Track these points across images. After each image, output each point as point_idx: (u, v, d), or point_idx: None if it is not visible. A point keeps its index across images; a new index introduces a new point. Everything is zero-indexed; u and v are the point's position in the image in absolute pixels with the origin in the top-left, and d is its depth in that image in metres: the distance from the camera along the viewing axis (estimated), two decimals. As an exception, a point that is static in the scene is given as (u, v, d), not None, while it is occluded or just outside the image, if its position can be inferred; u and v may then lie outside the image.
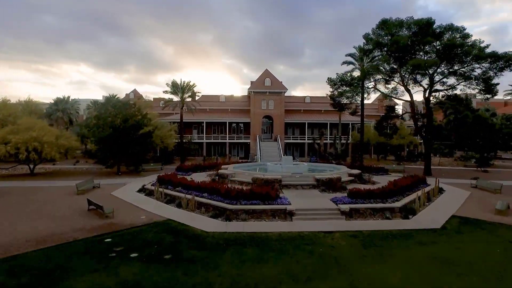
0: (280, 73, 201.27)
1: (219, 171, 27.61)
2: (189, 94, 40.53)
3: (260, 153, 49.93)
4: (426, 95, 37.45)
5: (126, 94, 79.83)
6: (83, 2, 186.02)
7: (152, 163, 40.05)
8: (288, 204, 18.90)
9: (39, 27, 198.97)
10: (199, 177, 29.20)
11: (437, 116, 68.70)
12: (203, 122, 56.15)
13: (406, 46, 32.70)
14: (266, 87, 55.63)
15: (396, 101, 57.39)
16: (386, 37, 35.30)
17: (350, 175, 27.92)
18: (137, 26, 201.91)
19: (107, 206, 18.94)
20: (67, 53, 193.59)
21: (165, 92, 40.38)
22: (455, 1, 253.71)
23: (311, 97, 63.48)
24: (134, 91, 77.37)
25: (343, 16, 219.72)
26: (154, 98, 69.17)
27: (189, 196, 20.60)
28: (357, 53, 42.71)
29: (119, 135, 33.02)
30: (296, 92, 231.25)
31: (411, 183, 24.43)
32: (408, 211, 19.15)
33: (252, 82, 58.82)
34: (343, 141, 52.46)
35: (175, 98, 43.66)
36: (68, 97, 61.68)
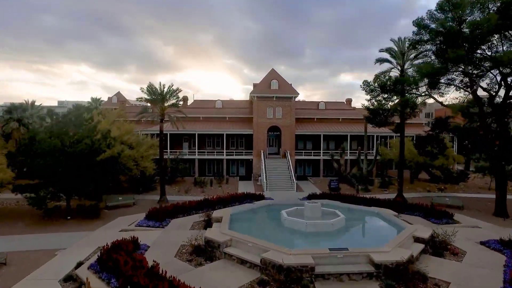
0: (281, 74, 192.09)
1: (207, 235, 17.04)
2: (173, 101, 30.20)
3: (265, 174, 39.40)
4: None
5: (109, 98, 69.45)
6: (84, 2, 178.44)
7: (120, 197, 29.45)
8: None
9: (40, 27, 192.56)
10: (180, 233, 18.73)
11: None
12: (195, 134, 45.68)
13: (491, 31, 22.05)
14: (273, 91, 45.09)
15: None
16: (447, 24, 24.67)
17: (417, 239, 17.35)
18: (138, 26, 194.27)
19: None
20: (68, 53, 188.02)
21: (139, 99, 30.03)
22: None
23: (325, 103, 52.85)
24: (118, 95, 66.94)
25: (343, 16, 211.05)
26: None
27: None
28: (396, 47, 32.19)
29: (66, 163, 22.61)
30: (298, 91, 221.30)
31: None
32: None
33: (255, 85, 48.32)
34: (369, 157, 41.89)
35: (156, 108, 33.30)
36: (33, 102, 51.01)
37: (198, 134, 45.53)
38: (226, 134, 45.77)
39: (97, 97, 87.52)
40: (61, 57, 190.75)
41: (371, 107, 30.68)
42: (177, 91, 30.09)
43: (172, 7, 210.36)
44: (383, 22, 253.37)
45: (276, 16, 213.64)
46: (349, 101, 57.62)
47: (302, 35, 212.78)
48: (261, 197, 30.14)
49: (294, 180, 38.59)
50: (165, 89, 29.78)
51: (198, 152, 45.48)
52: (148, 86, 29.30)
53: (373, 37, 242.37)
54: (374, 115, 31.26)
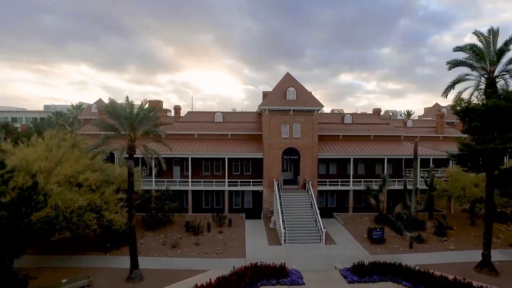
0: (281, 74, 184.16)
1: None
2: (151, 125, 19.78)
3: (281, 216, 28.93)
4: None
5: (89, 106, 58.88)
6: (84, 2, 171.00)
7: (65, 279, 18.62)
8: None
9: (40, 28, 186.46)
10: None
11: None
12: (187, 158, 35.23)
13: None
14: (289, 102, 34.59)
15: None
16: None
17: None
18: (138, 26, 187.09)
19: None
20: (68, 53, 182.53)
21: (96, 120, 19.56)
22: (456, 1, 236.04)
23: (352, 115, 42.27)
24: (99, 102, 56.37)
25: (343, 16, 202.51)
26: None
27: None
28: (481, 43, 21.84)
29: None
30: None
31: None
32: None
33: (265, 94, 37.83)
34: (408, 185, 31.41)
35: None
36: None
37: (191, 158, 35.05)
38: (228, 159, 35.32)
39: (78, 103, 77.49)
40: (61, 57, 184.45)
41: (470, 143, 20.00)
42: (155, 112, 19.56)
43: (173, 7, 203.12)
44: (383, 22, 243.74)
45: (277, 16, 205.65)
46: (377, 111, 47.18)
47: (302, 35, 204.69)
48: (282, 272, 19.88)
49: (321, 226, 28.09)
50: (137, 109, 19.22)
51: (192, 182, 34.94)
52: (109, 104, 18.77)
53: (373, 37, 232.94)
54: (473, 155, 20.43)
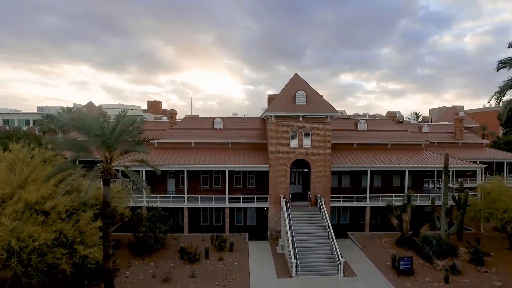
0: (281, 74, 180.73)
1: None
2: (132, 141, 15.65)
3: (290, 239, 24.77)
4: None
5: (78, 109, 54.60)
6: (84, 2, 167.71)
7: None
8: None
9: (41, 28, 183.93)
10: None
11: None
12: (183, 171, 31.12)
13: None
14: (299, 108, 30.42)
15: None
16: None
17: None
18: (138, 27, 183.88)
19: None
20: (68, 53, 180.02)
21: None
22: (457, 1, 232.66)
23: (367, 121, 38.04)
24: (89, 105, 52.23)
25: (344, 16, 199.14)
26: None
27: None
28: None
29: None
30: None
31: None
32: None
33: (271, 99, 33.68)
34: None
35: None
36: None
37: (187, 171, 30.91)
38: (229, 172, 31.15)
39: (68, 107, 73.26)
40: (61, 58, 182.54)
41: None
42: (138, 125, 15.40)
43: (173, 8, 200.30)
44: (383, 22, 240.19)
45: (277, 16, 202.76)
46: (392, 116, 43.02)
47: (303, 35, 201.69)
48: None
49: (339, 255, 23.91)
50: (114, 122, 15.01)
51: (188, 198, 30.78)
52: (77, 116, 14.64)
53: (373, 37, 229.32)
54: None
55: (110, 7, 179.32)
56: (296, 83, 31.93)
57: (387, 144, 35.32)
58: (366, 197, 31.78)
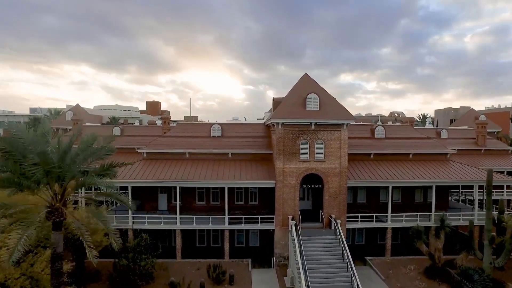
0: (281, 74, 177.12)
1: None
2: (94, 169, 11.39)
3: (302, 270, 20.45)
4: None
5: (64, 113, 50.16)
6: (85, 2, 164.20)
7: None
8: None
9: (40, 28, 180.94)
10: None
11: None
12: (175, 187, 26.84)
13: None
14: (310, 114, 26.06)
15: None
16: None
17: None
18: (138, 27, 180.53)
19: None
20: (69, 53, 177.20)
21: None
22: (457, 1, 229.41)
23: (384, 127, 33.68)
24: (75, 108, 47.90)
25: (344, 16, 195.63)
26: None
27: None
28: None
29: None
30: None
31: None
32: None
33: (277, 103, 29.22)
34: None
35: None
36: None
37: (180, 187, 26.62)
38: (228, 188, 26.80)
39: (57, 108, 69.29)
40: (61, 58, 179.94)
41: None
42: (104, 145, 11.07)
43: (173, 8, 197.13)
44: (383, 22, 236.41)
45: (277, 16, 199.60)
46: (411, 121, 38.72)
47: (303, 35, 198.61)
48: None
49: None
50: (67, 142, 10.64)
51: (181, 218, 26.44)
52: (5, 137, 10.30)
53: (373, 37, 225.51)
54: None
55: (110, 7, 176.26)
56: (306, 84, 27.62)
57: (409, 154, 31.01)
58: (387, 216, 27.47)
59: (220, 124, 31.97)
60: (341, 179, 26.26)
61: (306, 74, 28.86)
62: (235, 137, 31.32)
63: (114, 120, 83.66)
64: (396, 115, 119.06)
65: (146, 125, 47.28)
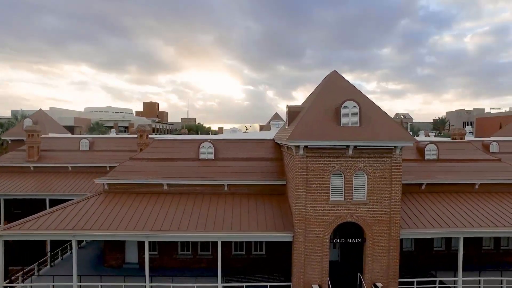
0: (281, 74, 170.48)
1: None
2: None
3: None
4: None
5: (22, 120, 41.23)
6: (85, 2, 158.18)
7: None
8: None
9: (40, 28, 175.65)
10: None
11: None
12: (146, 241, 18.01)
13: None
14: (347, 132, 17.25)
15: None
16: None
17: None
18: (138, 27, 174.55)
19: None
20: (69, 53, 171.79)
21: None
22: (457, 1, 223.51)
23: (436, 145, 24.78)
24: (37, 115, 39.12)
25: (344, 16, 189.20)
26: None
27: None
28: None
29: None
30: (298, 93, 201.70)
31: None
32: None
33: (294, 114, 20.16)
34: None
35: None
36: None
37: (159, 241, 17.86)
38: (221, 243, 18.02)
39: (21, 109, 61.48)
40: (61, 58, 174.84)
41: None
42: None
43: (173, 8, 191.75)
44: (383, 22, 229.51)
45: (277, 16, 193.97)
46: (461, 134, 29.92)
47: (303, 35, 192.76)
48: None
49: None
50: None
51: (152, 279, 17.64)
52: None
53: (373, 37, 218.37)
54: None
55: (110, 7, 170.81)
56: (338, 87, 18.82)
57: (474, 184, 22.28)
58: (456, 277, 18.74)
59: (212, 141, 23.07)
60: (392, 230, 17.51)
61: (335, 71, 20.13)
62: (233, 160, 22.46)
63: (97, 126, 75.01)
64: (402, 116, 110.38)
65: (124, 136, 38.58)
